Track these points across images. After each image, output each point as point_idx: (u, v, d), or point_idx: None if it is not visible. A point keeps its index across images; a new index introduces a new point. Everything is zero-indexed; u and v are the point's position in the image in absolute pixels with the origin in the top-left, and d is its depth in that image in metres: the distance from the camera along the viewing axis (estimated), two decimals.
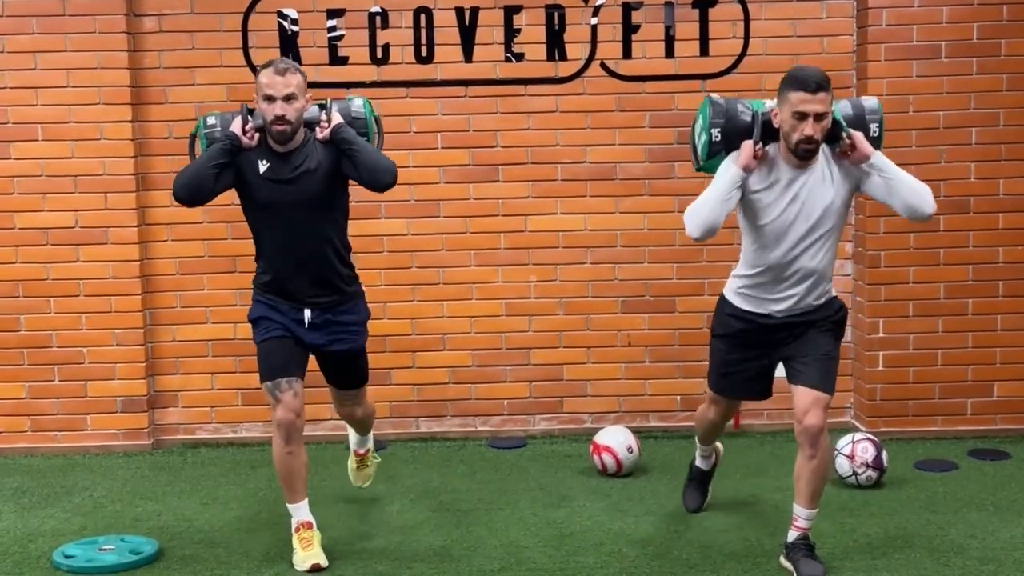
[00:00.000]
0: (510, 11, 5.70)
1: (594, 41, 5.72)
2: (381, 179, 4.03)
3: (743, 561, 4.10)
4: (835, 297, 4.06)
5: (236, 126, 4.01)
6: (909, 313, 5.70)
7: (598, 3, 5.70)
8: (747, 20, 5.70)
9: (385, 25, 5.70)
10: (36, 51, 5.55)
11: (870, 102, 3.97)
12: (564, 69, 5.74)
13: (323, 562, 4.07)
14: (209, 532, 4.52)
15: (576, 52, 5.73)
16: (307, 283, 4.10)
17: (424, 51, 5.71)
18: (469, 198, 5.79)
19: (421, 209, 5.76)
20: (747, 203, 3.89)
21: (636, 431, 5.38)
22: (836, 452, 4.92)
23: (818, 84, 3.68)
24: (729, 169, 3.82)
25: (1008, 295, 5.70)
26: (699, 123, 4.02)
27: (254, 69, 5.66)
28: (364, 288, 4.32)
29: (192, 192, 4.01)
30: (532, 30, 5.71)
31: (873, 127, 3.90)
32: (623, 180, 5.79)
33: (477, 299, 5.85)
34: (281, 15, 5.68)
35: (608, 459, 5.15)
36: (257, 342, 4.13)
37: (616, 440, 5.19)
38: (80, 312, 5.68)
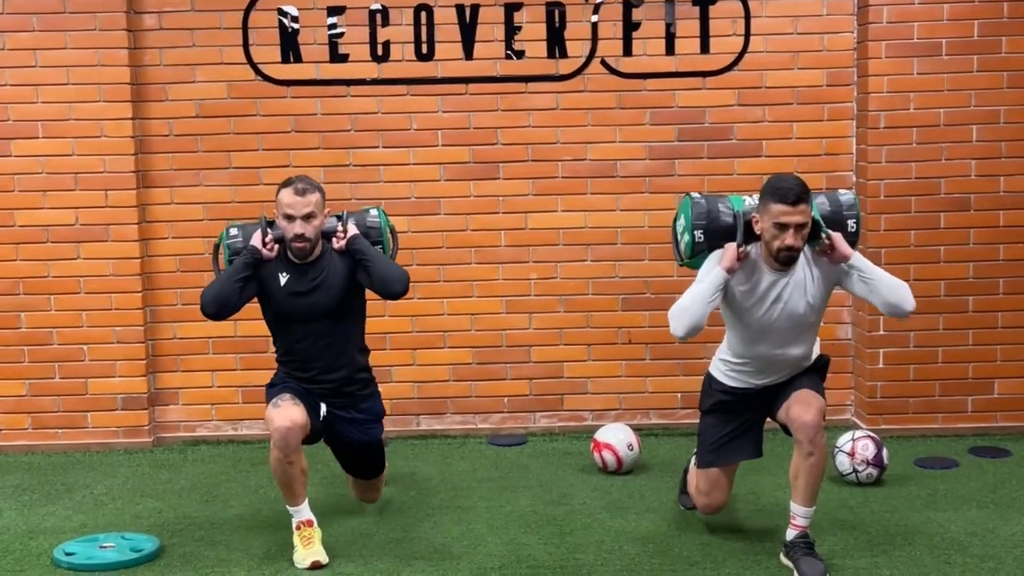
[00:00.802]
0: (510, 8, 5.69)
1: (595, 38, 5.72)
2: (393, 288, 4.24)
3: (743, 559, 4.10)
4: (818, 355, 4.22)
5: (256, 240, 4.19)
6: None
7: (598, 0, 5.69)
8: (748, 17, 5.70)
9: (386, 22, 5.70)
10: (36, 48, 5.55)
11: (846, 197, 4.08)
12: (565, 66, 5.74)
13: (324, 559, 4.07)
14: (210, 529, 4.52)
15: (577, 49, 5.72)
16: (324, 383, 4.28)
17: (425, 48, 5.71)
18: (470, 195, 5.79)
19: (421, 206, 5.76)
20: (730, 300, 4.00)
21: (636, 428, 5.38)
22: (836, 449, 4.92)
23: (797, 196, 3.77)
24: (712, 271, 3.91)
25: (1008, 292, 5.70)
26: (681, 222, 4.13)
27: (255, 67, 5.66)
28: (377, 386, 4.50)
29: (219, 307, 4.20)
30: (533, 27, 5.71)
31: (850, 223, 4.02)
32: (624, 177, 5.79)
33: (477, 296, 5.84)
34: (282, 12, 5.67)
35: (608, 456, 5.15)
36: (270, 395, 4.28)
37: (616, 437, 5.19)
38: (80, 309, 5.68)
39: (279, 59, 5.69)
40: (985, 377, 5.74)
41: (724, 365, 4.20)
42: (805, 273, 3.95)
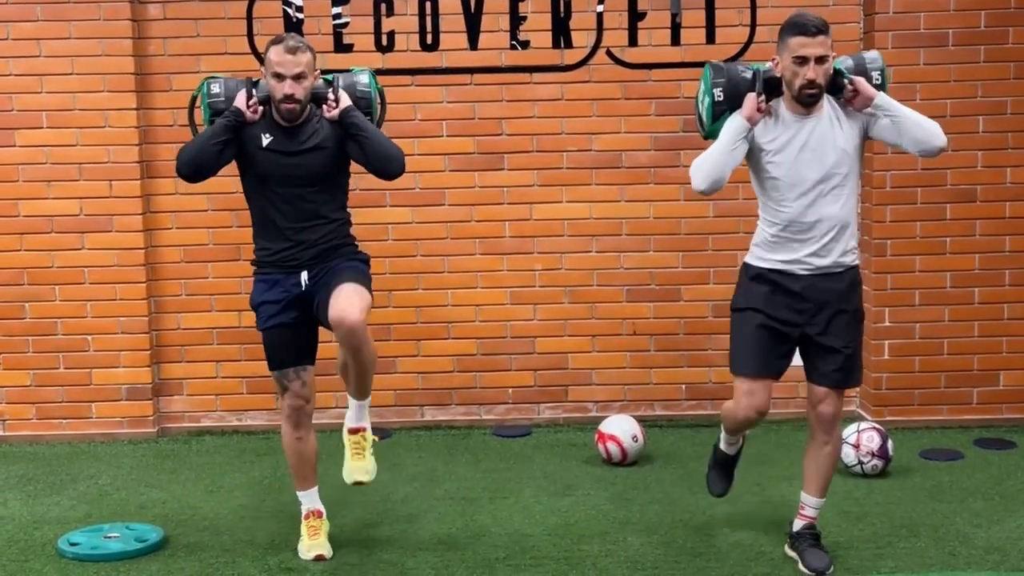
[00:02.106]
0: None
1: (600, 28, 5.70)
2: (390, 168, 4.04)
3: (748, 550, 4.10)
4: (857, 267, 3.92)
5: (240, 101, 3.99)
6: (915, 302, 5.69)
7: None
8: (754, 7, 5.68)
9: (390, 12, 5.68)
10: (40, 38, 5.55)
11: (870, 53, 3.94)
12: (570, 57, 5.72)
13: (327, 553, 4.07)
14: (214, 520, 4.52)
15: (582, 39, 5.71)
16: (305, 253, 4.03)
17: (429, 38, 5.70)
18: (474, 186, 5.78)
19: (426, 197, 5.75)
20: (757, 159, 3.84)
21: (641, 420, 5.38)
22: (841, 441, 4.91)
23: (817, 27, 3.67)
24: (733, 120, 3.79)
25: (1014, 284, 5.68)
26: (701, 88, 3.99)
27: (259, 56, 5.65)
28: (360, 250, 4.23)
29: (195, 169, 4.01)
30: (538, 17, 5.69)
31: (875, 75, 3.85)
32: (629, 168, 5.78)
33: (482, 287, 5.84)
34: (286, 2, 5.66)
35: (613, 448, 5.15)
36: (260, 330, 4.10)
37: (621, 429, 5.18)
38: (85, 300, 5.69)
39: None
40: (991, 369, 5.73)
41: (759, 245, 3.91)
42: (832, 119, 3.79)
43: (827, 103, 3.80)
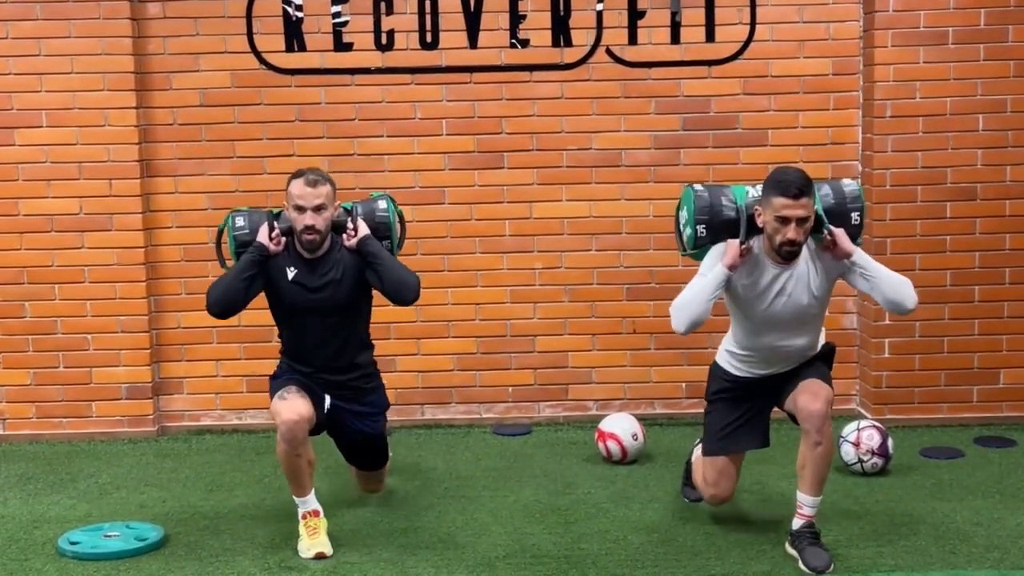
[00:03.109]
0: None
1: (599, 27, 5.70)
2: (404, 295, 4.23)
3: (748, 548, 4.10)
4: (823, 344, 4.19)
5: (263, 235, 4.15)
6: None
7: None
8: (753, 6, 5.67)
9: (390, 11, 5.68)
10: (40, 37, 5.54)
11: (850, 188, 4.04)
12: (569, 55, 5.72)
13: (328, 551, 4.07)
14: (214, 519, 4.52)
15: (581, 38, 5.70)
16: (328, 376, 4.26)
17: (429, 37, 5.69)
18: (474, 185, 5.78)
19: (426, 196, 5.75)
20: (733, 293, 3.99)
21: (641, 418, 5.38)
22: (841, 439, 4.91)
23: (799, 190, 3.74)
24: (714, 268, 3.89)
25: (1015, 282, 5.68)
26: (683, 214, 4.12)
27: (259, 56, 5.66)
28: (381, 379, 4.49)
29: (225, 307, 4.20)
30: (537, 16, 5.69)
31: (854, 215, 3.99)
32: (628, 167, 5.77)
33: (482, 286, 5.84)
34: (286, 1, 5.66)
35: (613, 446, 5.14)
36: (274, 388, 4.25)
37: (621, 427, 5.18)
38: (85, 299, 5.68)
39: (283, 48, 5.67)
40: (991, 367, 5.73)
41: (730, 356, 4.19)
42: (808, 266, 3.93)
43: (804, 248, 3.91)
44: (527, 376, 5.89)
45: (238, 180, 5.71)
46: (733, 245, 3.89)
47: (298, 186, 4.10)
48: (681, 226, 4.14)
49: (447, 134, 5.75)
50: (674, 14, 5.68)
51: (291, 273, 4.17)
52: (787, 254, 3.85)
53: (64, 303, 5.68)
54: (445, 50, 5.70)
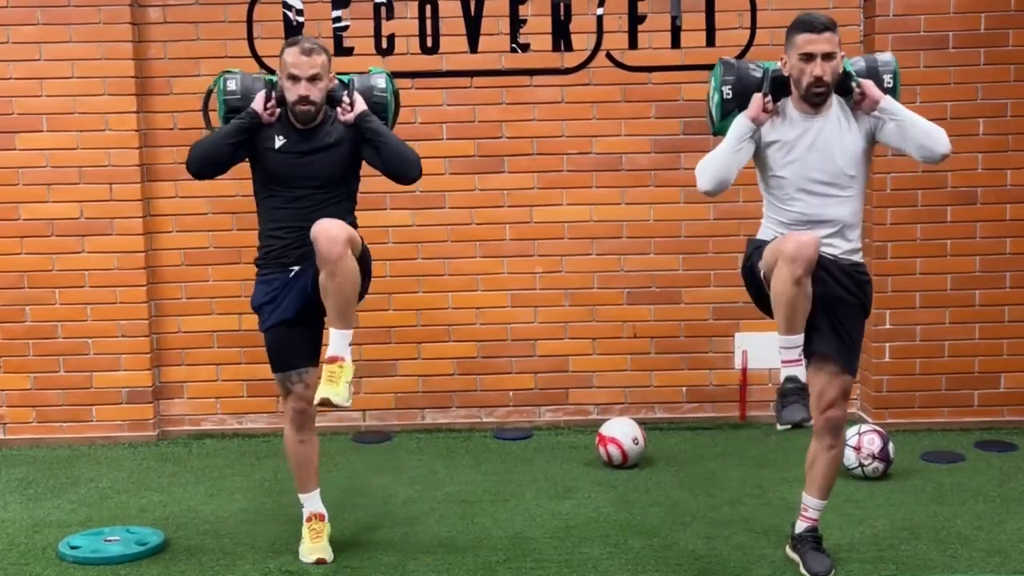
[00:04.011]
0: (516, 1, 5.68)
1: (600, 31, 5.70)
2: (407, 172, 4.04)
3: (749, 552, 4.09)
4: (864, 266, 3.90)
5: (258, 103, 4.00)
6: (916, 304, 5.69)
7: None
8: (754, 10, 5.68)
9: (390, 15, 5.69)
10: (41, 42, 5.54)
11: (883, 56, 3.96)
12: (570, 60, 5.72)
13: (328, 557, 4.06)
14: (214, 523, 4.52)
15: (582, 42, 5.71)
16: (306, 253, 3.95)
17: (429, 41, 5.70)
18: (474, 189, 5.78)
19: (426, 200, 5.75)
20: (763, 157, 3.84)
21: (642, 422, 5.37)
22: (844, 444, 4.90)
23: (824, 24, 3.68)
24: (739, 121, 3.80)
25: (1015, 286, 5.68)
26: (712, 84, 4.01)
27: (259, 60, 5.66)
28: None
29: (205, 165, 4.05)
30: (538, 20, 5.69)
31: (887, 78, 3.87)
32: (629, 171, 5.77)
33: (482, 290, 5.84)
34: (286, 5, 5.66)
35: (614, 450, 5.14)
36: (263, 329, 4.11)
37: (622, 431, 5.18)
38: (85, 303, 5.68)
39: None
40: (992, 371, 5.73)
41: (767, 231, 3.89)
42: (840, 120, 3.79)
43: (836, 104, 3.81)
44: (528, 380, 5.89)
45: (238, 184, 5.66)
46: (756, 96, 3.78)
47: (292, 54, 3.92)
48: (710, 99, 4.03)
49: (447, 138, 5.75)
50: (674, 18, 5.69)
51: (279, 142, 4.00)
52: (815, 96, 3.72)
53: (64, 307, 5.68)
54: (445, 54, 5.71)
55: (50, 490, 5.01)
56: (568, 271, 5.83)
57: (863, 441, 4.89)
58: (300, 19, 5.66)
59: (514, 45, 5.71)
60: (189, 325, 5.80)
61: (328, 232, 3.79)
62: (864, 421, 5.53)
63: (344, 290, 3.85)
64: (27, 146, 5.60)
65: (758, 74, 3.88)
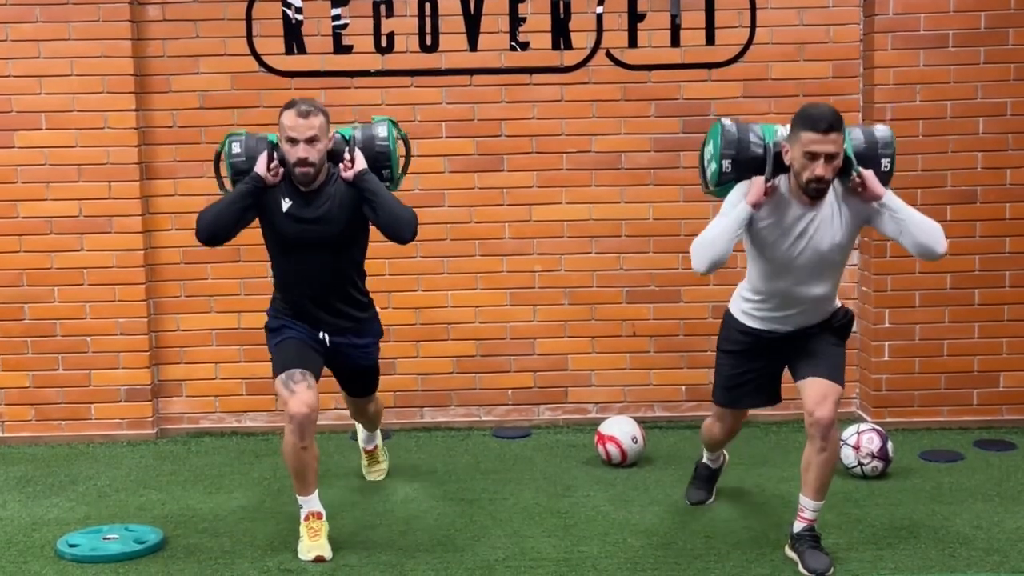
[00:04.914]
0: None
1: (600, 30, 5.71)
2: (402, 234, 4.13)
3: (748, 551, 4.10)
4: (840, 307, 4.09)
5: (261, 166, 4.07)
6: (915, 303, 5.69)
7: None
8: (753, 9, 5.68)
9: (390, 13, 5.69)
10: (40, 39, 5.55)
11: (883, 133, 3.94)
12: (569, 58, 5.73)
13: (327, 554, 4.07)
14: (213, 521, 4.52)
15: (581, 41, 5.71)
16: (323, 312, 4.21)
17: (429, 39, 5.70)
18: (474, 187, 5.78)
19: (425, 198, 5.75)
20: (754, 234, 3.90)
21: (641, 421, 5.38)
22: (841, 443, 4.89)
23: (829, 125, 3.65)
24: (738, 205, 3.81)
25: (1015, 285, 5.69)
26: (709, 149, 4.01)
27: (258, 58, 5.66)
28: (375, 306, 4.45)
29: (214, 233, 4.12)
30: (537, 19, 5.70)
31: (885, 162, 3.88)
32: (628, 170, 5.78)
33: (482, 289, 5.84)
34: (285, 3, 5.67)
35: (613, 449, 5.15)
36: (272, 344, 4.21)
37: (621, 430, 5.19)
38: (84, 301, 5.69)
39: (283, 50, 5.68)
40: (991, 370, 5.74)
41: (744, 303, 4.08)
42: (833, 209, 3.83)
43: (831, 190, 3.83)
44: (527, 379, 5.90)
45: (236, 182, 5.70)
46: (758, 182, 3.79)
47: (290, 117, 3.99)
48: (706, 162, 4.04)
49: (447, 136, 5.75)
50: (674, 17, 5.69)
51: (286, 204, 4.08)
52: (814, 192, 3.74)
53: (63, 305, 5.69)
54: (445, 52, 5.71)
55: (49, 488, 5.02)
56: (567, 270, 5.84)
57: (862, 440, 4.90)
58: (299, 17, 5.67)
59: (514, 43, 5.71)
60: (188, 323, 5.81)
61: (364, 411, 4.71)
62: (863, 420, 5.53)
63: (372, 419, 4.81)
64: (26, 144, 5.61)
65: (759, 150, 3.87)
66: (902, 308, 5.69)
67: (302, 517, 4.15)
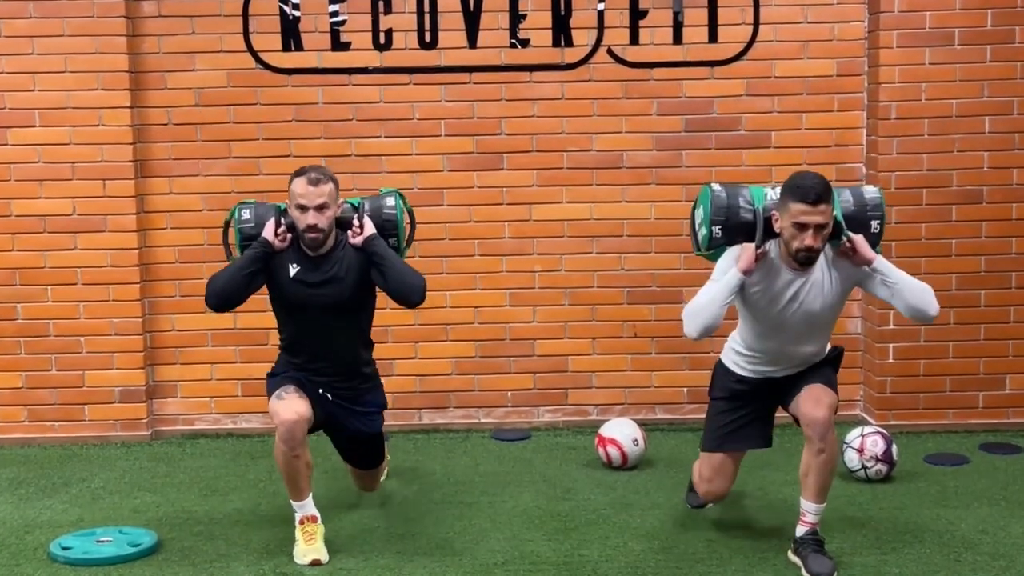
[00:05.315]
0: None
1: (601, 27, 5.70)
2: (411, 299, 4.21)
3: (750, 555, 4.10)
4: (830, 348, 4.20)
5: (269, 231, 4.15)
6: None
7: None
8: (757, 6, 5.68)
9: (388, 10, 5.68)
10: (33, 35, 5.54)
11: (871, 195, 4.01)
12: (570, 55, 5.72)
13: (324, 558, 4.07)
14: (208, 524, 4.52)
15: (582, 38, 5.71)
16: (328, 374, 4.26)
17: (428, 36, 5.70)
18: (473, 186, 5.78)
19: (424, 197, 5.75)
20: (746, 298, 3.98)
21: (642, 423, 5.38)
22: (845, 445, 4.91)
23: (818, 196, 3.71)
24: (728, 272, 3.88)
25: (1021, 286, 5.69)
26: (699, 213, 4.10)
27: (255, 55, 5.66)
28: (379, 377, 4.50)
29: (224, 301, 4.20)
30: (538, 15, 5.69)
31: (874, 224, 3.96)
32: (630, 169, 5.78)
33: (481, 289, 5.84)
34: (283, 0, 5.68)
35: (613, 452, 5.14)
36: (271, 384, 4.26)
37: (622, 432, 5.18)
38: (78, 301, 5.68)
39: (280, 47, 5.68)
40: (997, 372, 5.73)
41: (736, 355, 4.19)
42: (824, 273, 3.91)
43: (821, 254, 3.89)
44: (526, 380, 5.90)
45: (234, 181, 5.71)
46: (749, 249, 3.87)
47: (300, 184, 4.09)
48: (696, 225, 4.13)
49: (446, 135, 5.75)
50: (676, 14, 5.69)
51: (293, 270, 4.17)
52: (804, 260, 3.82)
53: (57, 305, 5.68)
54: (444, 50, 5.71)
55: (41, 490, 5.01)
56: (568, 270, 5.83)
57: (866, 443, 4.90)
58: (296, 13, 5.66)
59: (514, 40, 5.71)
60: (183, 323, 5.80)
61: (371, 486, 4.67)
62: (867, 423, 5.53)
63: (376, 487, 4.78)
64: (19, 141, 5.60)
65: (748, 215, 3.94)
66: None
67: (297, 521, 4.15)
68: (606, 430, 5.23)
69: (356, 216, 4.24)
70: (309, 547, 4.08)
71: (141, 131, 5.69)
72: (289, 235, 4.17)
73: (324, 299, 4.17)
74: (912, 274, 5.54)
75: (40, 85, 5.58)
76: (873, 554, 4.10)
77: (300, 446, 4.06)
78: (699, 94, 5.73)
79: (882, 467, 4.89)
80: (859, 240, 3.86)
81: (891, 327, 5.68)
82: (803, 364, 4.09)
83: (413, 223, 4.49)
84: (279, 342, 4.37)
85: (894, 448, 4.93)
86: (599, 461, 5.21)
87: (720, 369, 4.27)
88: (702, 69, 5.73)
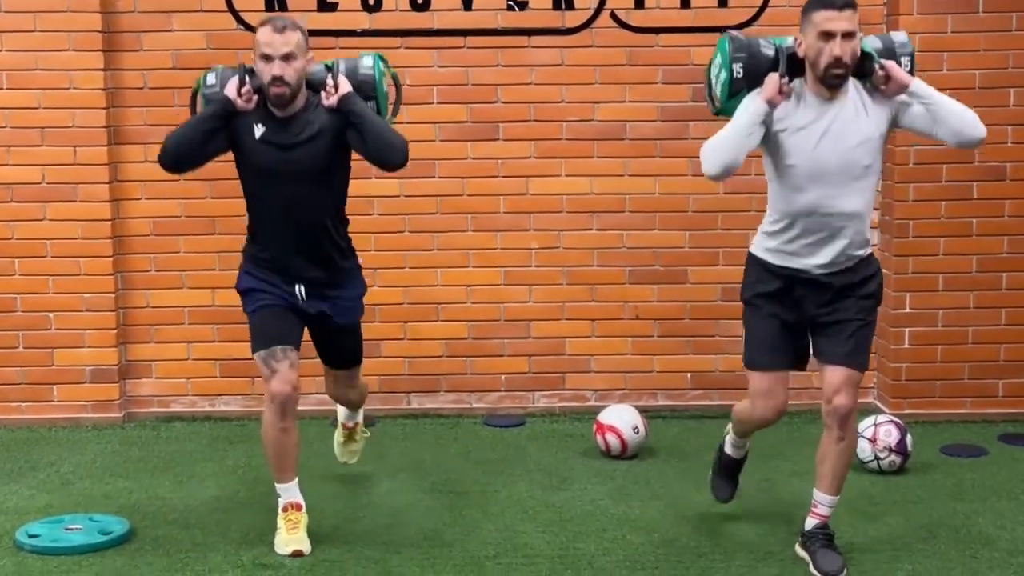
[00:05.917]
0: None
1: None
2: (392, 158, 4.06)
3: (755, 550, 4.11)
4: (872, 255, 3.97)
5: (231, 88, 4.01)
6: (938, 287, 5.69)
7: None
8: None
9: None
10: None
11: (899, 36, 3.94)
12: (571, 19, 5.71)
13: (306, 548, 4.07)
14: (184, 512, 4.53)
15: (584, 1, 5.69)
16: (302, 257, 4.12)
17: None
18: (466, 157, 5.77)
19: (415, 169, 5.67)
20: (773, 143, 3.82)
21: (643, 410, 5.38)
22: (857, 435, 4.91)
23: (844, 1, 3.65)
24: (752, 102, 3.77)
25: None
26: (717, 60, 3.98)
27: (236, 15, 5.63)
28: (357, 258, 4.35)
29: (176, 157, 4.06)
30: None
31: (904, 60, 3.85)
32: (633, 140, 5.77)
33: (474, 266, 5.84)
34: None
35: (612, 439, 5.15)
36: (249, 311, 4.15)
37: (621, 419, 5.19)
38: (47, 275, 5.67)
39: (262, 7, 5.65)
40: (1018, 359, 5.75)
41: (768, 239, 3.94)
42: (857, 107, 3.79)
43: (852, 88, 3.79)
44: (521, 363, 5.90)
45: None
46: (773, 78, 3.74)
47: (265, 32, 3.92)
48: (713, 76, 3.99)
49: (438, 102, 5.74)
50: None
51: (259, 131, 4.02)
52: (833, 79, 3.70)
53: (24, 279, 5.67)
54: (437, 12, 5.69)
55: (7, 475, 5.02)
56: (566, 247, 5.83)
57: (879, 433, 4.91)
58: None
59: (511, 3, 5.69)
60: (158, 299, 5.80)
61: (349, 392, 4.60)
62: (881, 411, 5.55)
63: (356, 402, 4.72)
64: None
65: (770, 52, 3.85)
66: (924, 292, 5.69)
67: (280, 508, 4.15)
68: (605, 417, 5.24)
69: (330, 75, 4.08)
70: (291, 536, 4.09)
71: (115, 95, 5.67)
72: (255, 97, 4.01)
73: (294, 163, 4.02)
74: (930, 255, 5.66)
75: (7, 45, 5.55)
76: (885, 550, 4.11)
77: (290, 419, 4.04)
78: (707, 61, 5.69)
79: (896, 458, 4.91)
80: (892, 65, 3.74)
81: (907, 310, 5.68)
82: (845, 238, 3.82)
83: (399, 87, 4.34)
84: (248, 226, 4.21)
85: (908, 438, 4.94)
86: (597, 449, 5.22)
87: (752, 261, 4.01)
88: (711, 35, 5.67)
